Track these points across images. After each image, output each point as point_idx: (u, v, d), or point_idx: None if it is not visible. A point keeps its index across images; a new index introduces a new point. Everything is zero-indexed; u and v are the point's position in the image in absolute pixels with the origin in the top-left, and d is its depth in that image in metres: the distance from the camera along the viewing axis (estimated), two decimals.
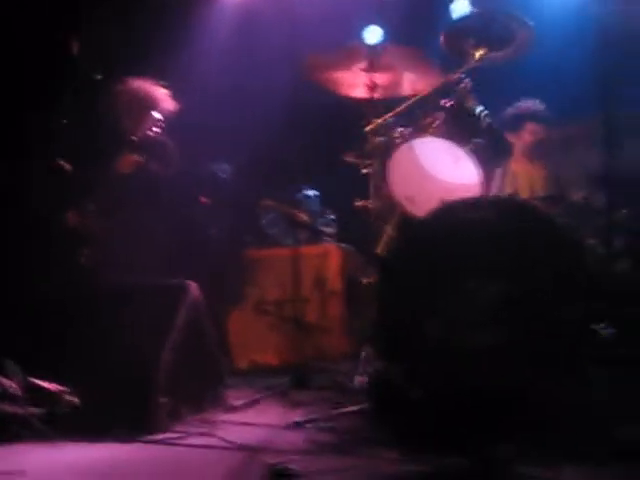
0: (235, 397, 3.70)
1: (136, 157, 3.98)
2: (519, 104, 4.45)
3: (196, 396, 3.45)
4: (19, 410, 3.03)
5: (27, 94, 4.23)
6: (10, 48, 4.38)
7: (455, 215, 3.22)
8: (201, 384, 3.50)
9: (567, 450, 2.65)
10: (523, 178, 4.30)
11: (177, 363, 3.35)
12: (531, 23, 3.77)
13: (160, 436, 3.12)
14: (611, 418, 2.77)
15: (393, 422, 3.01)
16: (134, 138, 4.04)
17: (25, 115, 4.19)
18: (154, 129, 4.12)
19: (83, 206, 3.90)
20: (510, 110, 4.43)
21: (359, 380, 3.64)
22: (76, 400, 3.10)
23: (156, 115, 4.12)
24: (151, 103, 4.13)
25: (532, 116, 4.38)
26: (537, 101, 4.45)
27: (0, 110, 4.27)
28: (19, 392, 3.08)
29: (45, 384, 3.13)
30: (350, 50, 3.98)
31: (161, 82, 4.37)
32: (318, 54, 4.03)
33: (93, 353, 3.28)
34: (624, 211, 3.54)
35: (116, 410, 3.14)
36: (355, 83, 4.06)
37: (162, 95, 4.16)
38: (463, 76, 3.77)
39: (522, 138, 4.40)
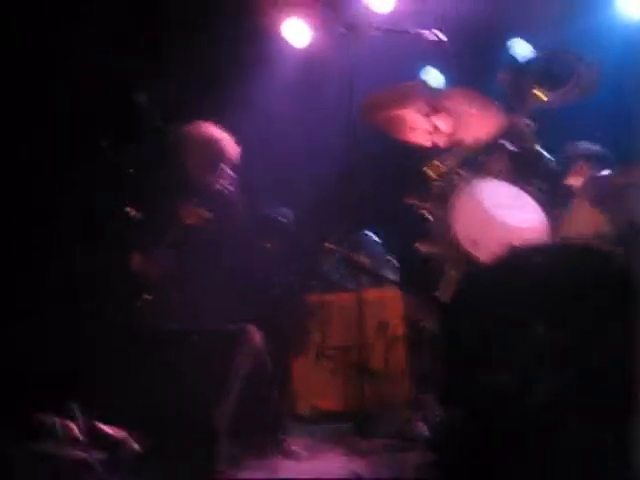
0: (296, 444, 3.67)
1: (201, 211, 3.96)
2: (575, 145, 4.33)
3: (257, 442, 3.42)
4: (80, 454, 3.05)
5: (94, 143, 4.37)
6: (82, 102, 4.55)
7: (520, 259, 3.17)
8: (262, 430, 3.48)
9: None
10: (586, 220, 4.20)
11: (239, 409, 3.34)
12: (596, 62, 3.71)
13: None
14: None
15: (456, 473, 2.94)
16: (201, 188, 4.04)
17: (93, 164, 4.32)
18: (222, 181, 4.09)
19: (148, 251, 3.94)
20: (567, 152, 4.34)
21: (422, 427, 3.57)
22: (138, 447, 3.11)
23: (224, 167, 4.09)
24: (218, 149, 4.08)
25: (584, 157, 4.26)
26: (590, 143, 4.32)
27: (70, 158, 4.44)
28: (81, 436, 3.10)
29: (108, 429, 3.15)
30: (410, 90, 3.96)
31: (225, 126, 4.45)
32: (378, 94, 4.03)
33: (155, 399, 3.29)
34: None
35: (178, 457, 3.13)
36: (416, 126, 4.05)
37: (228, 141, 4.13)
38: (526, 118, 3.74)
39: (579, 180, 4.29)
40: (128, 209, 4.02)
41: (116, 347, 3.51)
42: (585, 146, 4.33)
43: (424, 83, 4.28)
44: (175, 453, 3.14)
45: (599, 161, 4.26)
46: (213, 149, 4.09)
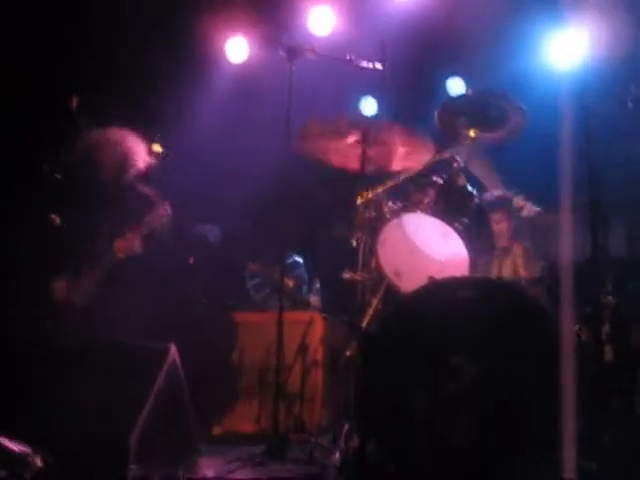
0: (208, 466, 3.61)
1: (134, 244, 3.97)
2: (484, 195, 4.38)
3: (169, 464, 3.36)
4: None
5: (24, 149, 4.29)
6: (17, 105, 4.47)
7: (441, 292, 3.22)
8: (174, 451, 3.42)
9: None
10: (509, 259, 4.30)
11: (151, 429, 3.27)
12: (524, 107, 3.83)
13: None
14: None
15: None
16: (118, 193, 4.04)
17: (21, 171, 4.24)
18: (142, 187, 4.14)
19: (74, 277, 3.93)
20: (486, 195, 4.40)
21: (337, 456, 3.57)
22: (40, 463, 3.01)
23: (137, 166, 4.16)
24: (128, 155, 4.17)
25: (491, 206, 4.31)
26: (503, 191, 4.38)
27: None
28: None
29: (9, 444, 3.04)
30: (344, 120, 4.00)
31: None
32: (313, 122, 4.05)
33: (64, 416, 3.20)
34: (610, 298, 3.53)
35: (85, 476, 3.05)
36: (347, 155, 4.08)
37: (140, 148, 4.21)
38: (455, 155, 3.81)
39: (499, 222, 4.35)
40: (52, 216, 3.96)
41: (25, 363, 3.41)
42: (494, 194, 4.37)
43: (359, 113, 4.31)
44: (83, 472, 3.06)
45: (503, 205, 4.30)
46: (123, 153, 4.16)
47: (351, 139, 3.99)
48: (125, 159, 4.18)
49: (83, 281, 3.98)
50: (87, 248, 4.02)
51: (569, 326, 3.03)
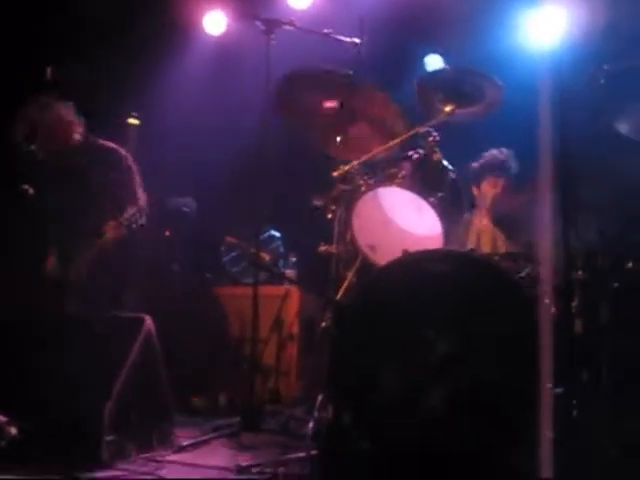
0: (184, 437, 3.65)
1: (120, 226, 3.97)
2: (483, 155, 4.48)
3: (144, 434, 3.39)
4: None
5: None
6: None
7: (414, 266, 3.24)
8: (149, 422, 3.44)
9: None
10: (485, 233, 4.34)
11: (127, 399, 3.29)
12: (500, 83, 3.84)
13: (103, 474, 3.05)
14: None
15: (339, 471, 2.99)
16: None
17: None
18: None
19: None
20: (474, 163, 4.48)
21: (311, 426, 3.61)
22: (15, 431, 3.03)
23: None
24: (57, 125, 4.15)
25: (490, 168, 4.41)
26: (500, 151, 4.46)
27: None
28: None
29: None
30: (326, 77, 3.94)
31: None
32: (297, 71, 4.00)
33: (42, 383, 3.21)
34: (580, 272, 3.57)
35: (60, 445, 3.07)
36: (326, 126, 4.06)
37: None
38: (431, 129, 3.83)
39: (484, 191, 4.43)
40: (25, 187, 3.95)
41: (5, 328, 3.42)
42: (489, 155, 4.45)
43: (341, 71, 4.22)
44: (58, 440, 3.07)
45: (502, 172, 4.39)
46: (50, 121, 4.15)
47: (330, 103, 3.95)
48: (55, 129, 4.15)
49: (77, 258, 4.02)
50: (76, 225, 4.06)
51: (545, 303, 3.08)
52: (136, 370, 3.36)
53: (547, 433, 2.40)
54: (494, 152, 4.46)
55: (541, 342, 2.56)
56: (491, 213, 4.25)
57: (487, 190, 4.39)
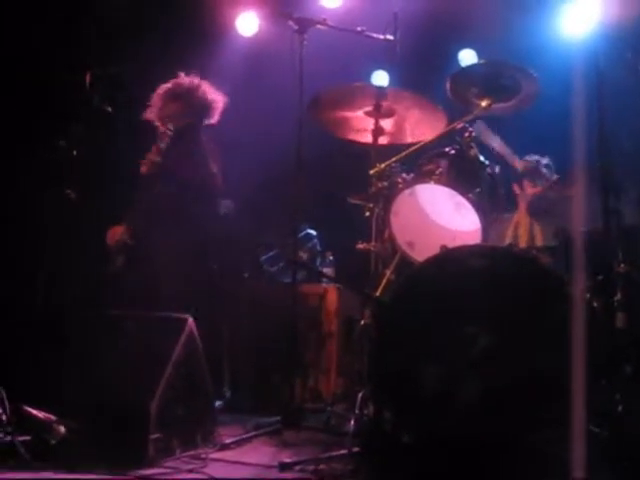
0: (227, 435, 3.68)
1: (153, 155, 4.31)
2: (525, 159, 4.42)
3: (188, 432, 3.43)
4: (2, 437, 3.01)
5: (39, 126, 4.34)
6: (26, 81, 4.51)
7: (453, 261, 3.25)
8: (193, 420, 3.48)
9: None
10: (524, 229, 4.31)
11: (171, 397, 3.34)
12: (536, 75, 3.82)
13: (149, 471, 3.09)
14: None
15: (381, 468, 3.00)
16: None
17: (36, 147, 4.30)
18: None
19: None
20: (515, 163, 4.42)
21: (352, 423, 3.62)
22: (64, 430, 3.08)
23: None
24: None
25: (530, 175, 4.35)
26: (539, 158, 4.40)
27: (13, 142, 4.40)
28: (5, 418, 3.06)
29: (33, 411, 3.12)
30: (356, 90, 4.00)
31: None
32: (325, 92, 4.06)
33: (88, 382, 3.27)
34: (622, 266, 3.54)
35: (107, 442, 3.12)
36: (360, 127, 4.10)
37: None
38: (467, 125, 3.82)
39: (525, 190, 4.40)
40: (68, 192, 4.03)
41: (52, 329, 3.48)
42: (528, 161, 4.38)
43: (370, 83, 4.30)
44: (104, 439, 3.13)
45: (538, 179, 4.33)
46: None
47: (363, 110, 4.00)
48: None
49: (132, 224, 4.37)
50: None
51: (581, 295, 3.04)
52: (179, 369, 3.40)
53: (579, 432, 2.37)
54: (534, 158, 4.40)
55: (574, 336, 2.54)
56: (529, 206, 4.22)
57: (528, 190, 4.36)
